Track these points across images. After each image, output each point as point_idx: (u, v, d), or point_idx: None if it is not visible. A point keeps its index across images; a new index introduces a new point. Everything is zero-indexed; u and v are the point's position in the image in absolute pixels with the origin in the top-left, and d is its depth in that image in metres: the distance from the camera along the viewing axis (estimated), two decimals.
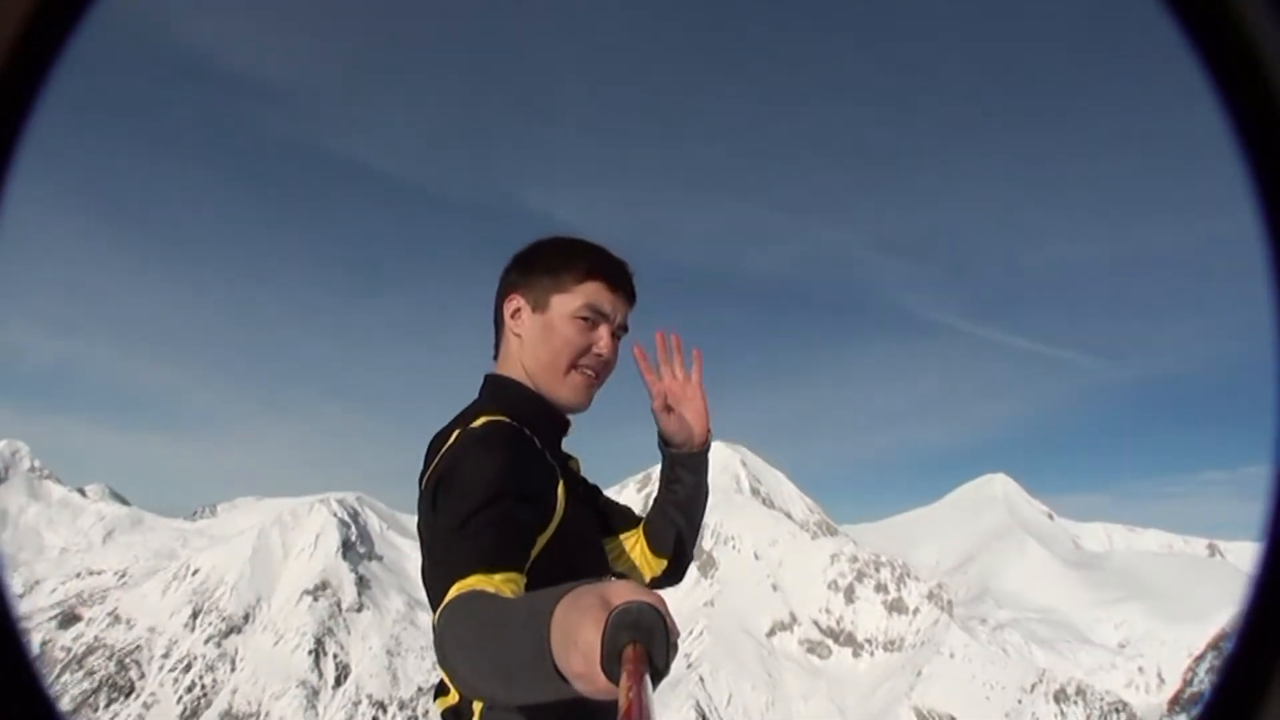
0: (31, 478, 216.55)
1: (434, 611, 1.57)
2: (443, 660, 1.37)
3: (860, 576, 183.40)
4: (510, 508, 1.67)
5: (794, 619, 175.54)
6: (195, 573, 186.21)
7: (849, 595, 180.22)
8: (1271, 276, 0.76)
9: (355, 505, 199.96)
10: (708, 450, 2.24)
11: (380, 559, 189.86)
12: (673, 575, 2.36)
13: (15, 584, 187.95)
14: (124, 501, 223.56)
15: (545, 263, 2.05)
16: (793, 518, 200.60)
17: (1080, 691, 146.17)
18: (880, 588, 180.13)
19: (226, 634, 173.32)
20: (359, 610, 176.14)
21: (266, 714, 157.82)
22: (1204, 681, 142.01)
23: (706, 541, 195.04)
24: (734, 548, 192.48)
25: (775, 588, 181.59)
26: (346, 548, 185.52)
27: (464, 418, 1.94)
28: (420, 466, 1.94)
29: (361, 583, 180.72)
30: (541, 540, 1.76)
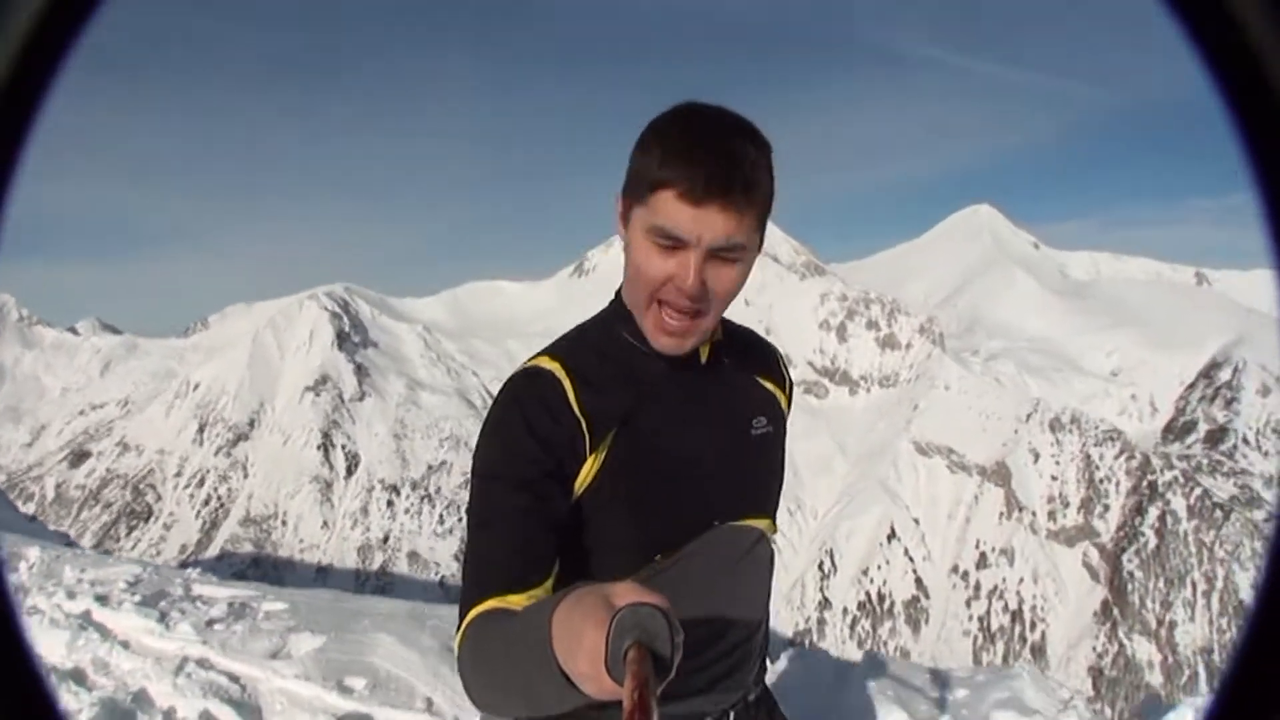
0: (21, 327, 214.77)
1: (459, 624, 1.30)
2: (467, 689, 1.24)
3: (851, 314, 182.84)
4: (529, 505, 1.33)
5: (789, 361, 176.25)
6: (196, 388, 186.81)
7: (841, 334, 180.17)
8: (1273, 268, 0.72)
9: (344, 295, 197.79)
10: None
11: (376, 345, 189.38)
12: None
13: (23, 434, 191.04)
14: (116, 331, 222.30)
15: (637, 155, 1.38)
16: (779, 260, 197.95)
17: (1075, 420, 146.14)
18: (871, 324, 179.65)
19: (235, 442, 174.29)
20: (361, 399, 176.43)
21: (284, 513, 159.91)
22: (1196, 410, 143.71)
23: None
24: None
25: (769, 331, 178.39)
26: (341, 339, 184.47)
27: (544, 350, 1.48)
28: None
29: (360, 371, 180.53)
30: (570, 501, 1.41)
